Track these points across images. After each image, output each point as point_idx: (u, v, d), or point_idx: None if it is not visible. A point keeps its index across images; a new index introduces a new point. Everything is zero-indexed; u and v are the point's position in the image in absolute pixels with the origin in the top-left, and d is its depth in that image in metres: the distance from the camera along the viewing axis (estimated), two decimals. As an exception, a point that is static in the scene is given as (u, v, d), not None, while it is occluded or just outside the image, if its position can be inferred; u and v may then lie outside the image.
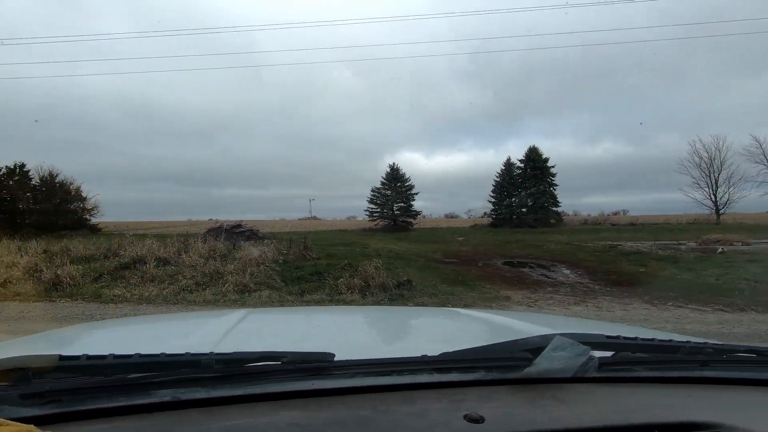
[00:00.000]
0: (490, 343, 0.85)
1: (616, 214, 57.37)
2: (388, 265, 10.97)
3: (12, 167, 34.68)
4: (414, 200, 39.05)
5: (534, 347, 0.79)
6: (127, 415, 0.63)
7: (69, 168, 40.43)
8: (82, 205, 39.96)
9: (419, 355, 0.81)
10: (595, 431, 0.66)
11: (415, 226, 38.18)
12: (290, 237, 16.59)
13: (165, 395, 0.66)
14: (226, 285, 8.48)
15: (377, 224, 38.07)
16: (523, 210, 40.43)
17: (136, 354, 0.69)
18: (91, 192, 41.13)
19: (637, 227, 34.41)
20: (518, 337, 0.84)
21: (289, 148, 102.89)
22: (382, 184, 39.33)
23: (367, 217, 39.97)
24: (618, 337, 0.90)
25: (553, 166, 40.83)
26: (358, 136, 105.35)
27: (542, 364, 0.76)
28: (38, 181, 36.81)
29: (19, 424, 0.48)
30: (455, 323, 1.72)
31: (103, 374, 0.66)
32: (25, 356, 0.65)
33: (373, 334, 1.51)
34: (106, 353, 0.69)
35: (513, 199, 41.21)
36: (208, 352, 0.74)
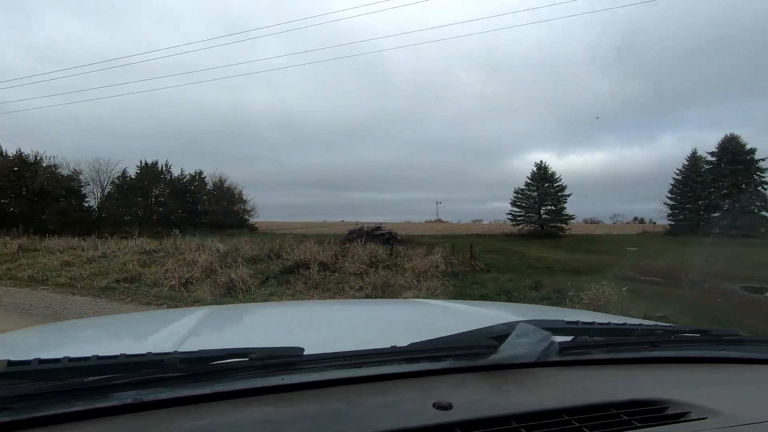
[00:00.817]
0: (457, 332, 0.85)
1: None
2: (569, 283, 8.41)
3: (193, 174, 40.62)
4: (566, 202, 34.13)
5: (499, 335, 0.80)
6: (86, 420, 0.60)
7: (231, 175, 45.90)
8: (243, 207, 45.06)
9: (389, 346, 0.81)
10: (556, 413, 0.68)
11: (567, 233, 33.28)
12: (437, 242, 14.88)
13: (126, 397, 0.62)
14: (408, 304, 6.87)
15: (521, 229, 34.26)
16: (715, 215, 32.05)
17: (93, 356, 0.66)
18: (250, 195, 46.34)
19: None
20: (484, 325, 0.85)
21: (413, 152, 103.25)
22: (527, 185, 35.32)
23: (509, 221, 36.38)
24: (577, 322, 0.96)
25: (763, 159, 31.53)
26: (483, 138, 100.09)
27: (507, 351, 0.78)
28: (212, 186, 42.55)
29: None
30: (424, 314, 1.73)
31: (58, 378, 0.63)
32: None
33: (343, 328, 1.41)
34: (61, 356, 0.65)
35: (700, 202, 33.07)
36: (172, 351, 0.73)
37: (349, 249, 11.62)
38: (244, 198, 45.13)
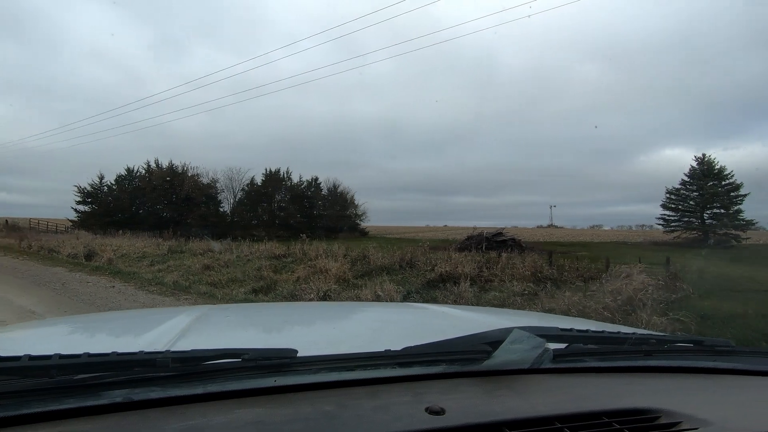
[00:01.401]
0: (452, 337, 0.85)
1: None
2: None
3: (310, 180, 42.40)
4: (741, 203, 27.28)
5: (493, 340, 0.79)
6: (75, 418, 0.59)
7: (341, 180, 46.82)
8: (355, 211, 45.84)
9: (383, 349, 0.81)
10: (548, 420, 0.67)
11: (744, 242, 26.47)
12: (568, 251, 11.99)
13: (117, 396, 0.62)
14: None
15: (678, 236, 28.33)
16: None
17: (84, 353, 0.65)
18: (360, 200, 47.00)
19: None
20: (479, 331, 0.84)
21: (520, 154, 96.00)
22: (683, 183, 29.21)
23: (659, 226, 30.52)
24: (571, 329, 0.92)
25: None
26: (601, 136, 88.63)
27: (501, 357, 0.77)
28: (326, 191, 44.02)
29: None
30: (418, 318, 1.70)
31: (48, 375, 0.62)
32: None
33: (337, 330, 1.42)
34: (52, 353, 0.64)
35: None
36: (164, 350, 0.72)
37: (497, 260, 9.67)
38: (356, 203, 45.89)
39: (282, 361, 0.72)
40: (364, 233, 44.83)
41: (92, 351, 0.65)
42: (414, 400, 0.68)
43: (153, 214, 31.28)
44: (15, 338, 1.27)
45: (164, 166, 33.76)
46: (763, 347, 3.97)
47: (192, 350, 0.71)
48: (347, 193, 45.08)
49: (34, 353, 0.63)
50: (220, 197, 35.52)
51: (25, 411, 0.57)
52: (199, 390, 0.65)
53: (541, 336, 0.79)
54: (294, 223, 37.65)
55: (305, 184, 41.64)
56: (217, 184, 35.44)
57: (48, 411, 0.58)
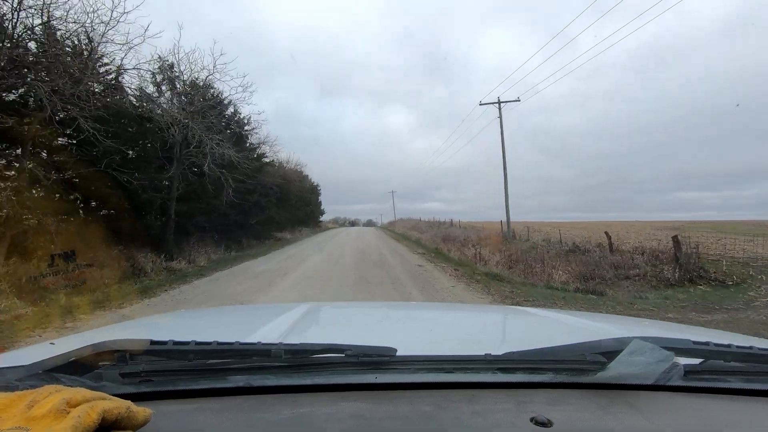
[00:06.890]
0: (558, 344, 0.80)
1: None
2: None
3: None
4: None
5: (608, 350, 0.74)
6: (207, 397, 0.66)
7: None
8: None
9: (483, 353, 0.79)
10: None
11: None
12: None
13: (240, 381, 0.68)
14: None
15: None
16: None
17: (214, 341, 0.72)
18: None
19: None
20: (589, 339, 0.79)
21: None
22: None
23: None
24: (707, 343, 0.81)
25: None
26: None
27: (618, 369, 0.71)
28: None
29: (120, 399, 0.51)
30: (521, 322, 1.63)
31: (187, 359, 0.69)
32: (123, 339, 0.69)
33: (436, 331, 1.40)
34: (189, 339, 0.71)
35: None
36: (278, 342, 0.76)
37: None
38: None
39: (382, 358, 0.73)
40: None
41: (220, 340, 0.72)
42: (516, 408, 0.65)
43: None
44: (159, 325, 1.46)
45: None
46: None
47: (302, 343, 0.74)
48: None
49: (176, 339, 0.70)
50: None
51: (170, 388, 0.65)
52: (308, 381, 0.69)
53: (668, 348, 0.70)
54: None
55: None
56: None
57: (188, 389, 0.65)
